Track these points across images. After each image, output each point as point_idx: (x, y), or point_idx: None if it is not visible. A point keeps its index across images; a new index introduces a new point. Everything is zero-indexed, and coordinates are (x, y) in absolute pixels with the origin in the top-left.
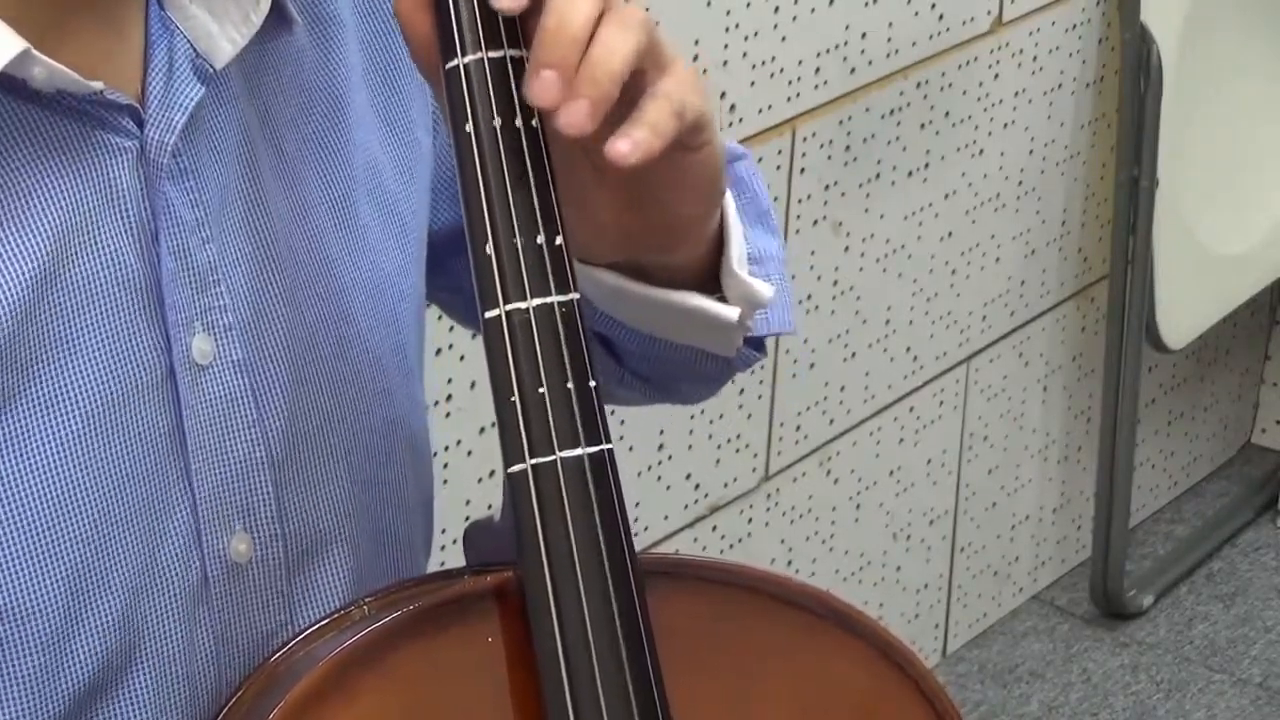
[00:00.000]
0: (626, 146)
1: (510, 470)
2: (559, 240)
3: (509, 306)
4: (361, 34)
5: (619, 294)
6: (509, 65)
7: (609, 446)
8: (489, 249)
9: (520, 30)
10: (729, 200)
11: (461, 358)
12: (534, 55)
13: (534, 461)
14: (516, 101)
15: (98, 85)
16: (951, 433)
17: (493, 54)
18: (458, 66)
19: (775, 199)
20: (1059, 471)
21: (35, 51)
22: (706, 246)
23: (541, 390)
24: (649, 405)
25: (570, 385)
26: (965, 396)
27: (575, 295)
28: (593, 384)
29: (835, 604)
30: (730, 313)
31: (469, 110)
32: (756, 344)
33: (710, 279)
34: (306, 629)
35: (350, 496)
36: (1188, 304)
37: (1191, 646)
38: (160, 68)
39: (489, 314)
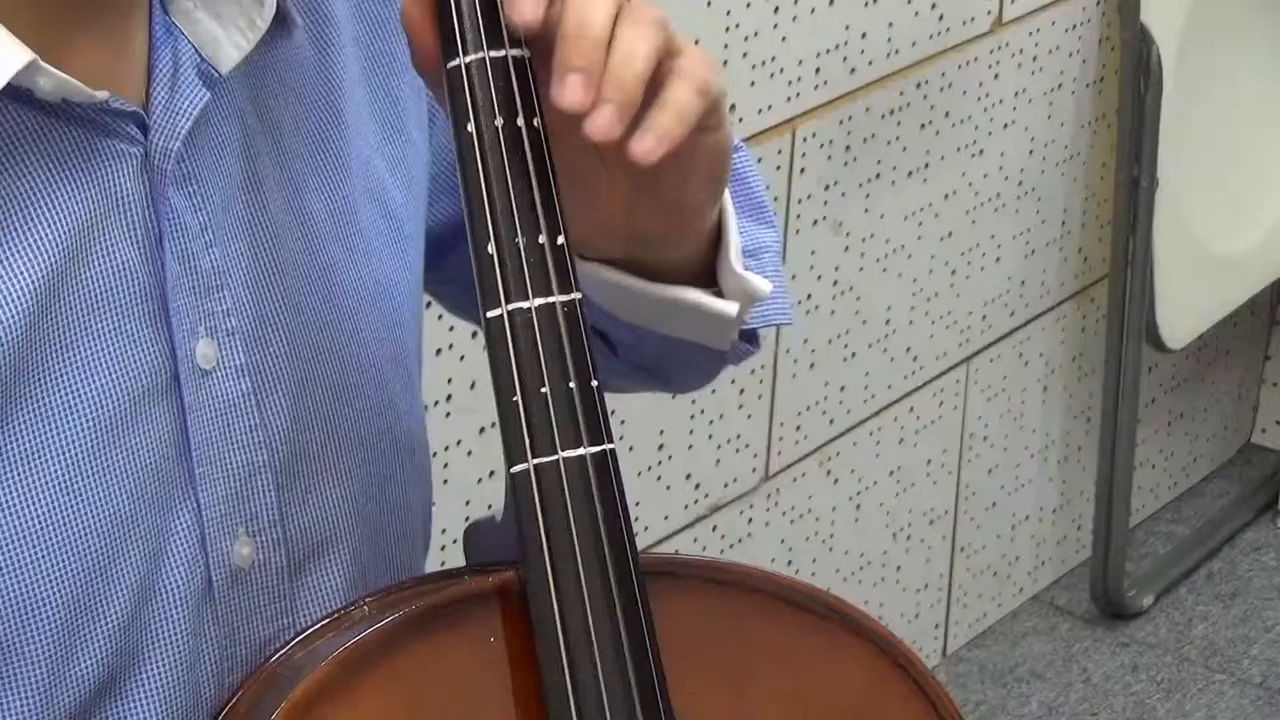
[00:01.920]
0: (650, 143)
1: (513, 470)
2: (561, 239)
3: (511, 306)
4: (356, 34)
5: (617, 289)
6: (510, 64)
7: (611, 446)
8: (491, 248)
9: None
10: (726, 194)
11: (461, 358)
12: (558, 59)
13: (536, 461)
14: (518, 100)
15: (103, 95)
16: (951, 433)
17: (494, 53)
18: (459, 65)
19: (775, 199)
20: (1059, 471)
21: (42, 63)
22: (704, 241)
23: (544, 390)
24: (642, 393)
25: (573, 385)
26: (965, 396)
27: (577, 295)
28: (595, 383)
29: (836, 604)
30: (729, 308)
31: (470, 110)
32: (750, 337)
33: (706, 274)
34: (305, 630)
35: (351, 500)
36: (1188, 304)
37: (1191, 646)
38: (165, 74)
39: (491, 314)
